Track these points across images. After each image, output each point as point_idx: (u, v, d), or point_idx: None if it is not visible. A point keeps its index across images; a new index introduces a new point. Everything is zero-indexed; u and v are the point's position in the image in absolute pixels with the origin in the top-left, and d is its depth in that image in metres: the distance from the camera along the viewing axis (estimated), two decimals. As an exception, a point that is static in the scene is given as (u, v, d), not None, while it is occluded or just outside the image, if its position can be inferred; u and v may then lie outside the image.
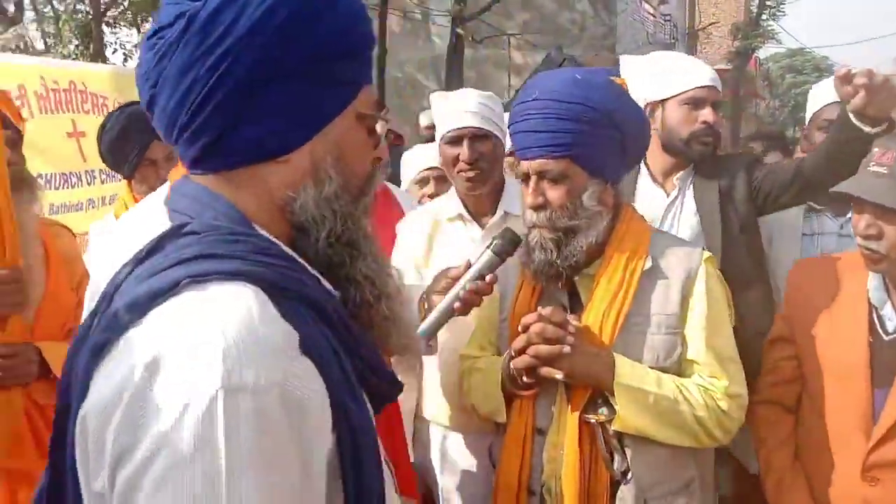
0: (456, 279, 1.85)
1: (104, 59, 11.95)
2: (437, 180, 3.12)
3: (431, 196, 3.06)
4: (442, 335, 2.36)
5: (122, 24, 14.25)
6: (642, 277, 1.82)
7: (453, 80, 12.04)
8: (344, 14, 0.99)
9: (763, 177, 2.48)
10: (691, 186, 2.57)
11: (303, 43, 0.95)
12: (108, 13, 13.45)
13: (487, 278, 1.82)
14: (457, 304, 1.81)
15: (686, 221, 2.53)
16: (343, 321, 0.98)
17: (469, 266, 1.85)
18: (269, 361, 0.82)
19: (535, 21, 16.95)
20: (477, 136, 2.33)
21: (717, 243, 2.43)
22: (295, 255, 1.00)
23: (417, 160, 3.10)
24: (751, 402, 2.14)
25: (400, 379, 1.12)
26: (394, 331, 1.10)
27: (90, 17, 12.46)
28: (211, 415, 0.78)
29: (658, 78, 2.57)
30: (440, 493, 2.43)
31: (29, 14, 14.37)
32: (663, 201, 2.58)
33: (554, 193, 1.81)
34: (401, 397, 2.37)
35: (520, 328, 1.78)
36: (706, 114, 2.49)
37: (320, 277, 1.01)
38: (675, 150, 2.56)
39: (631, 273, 1.81)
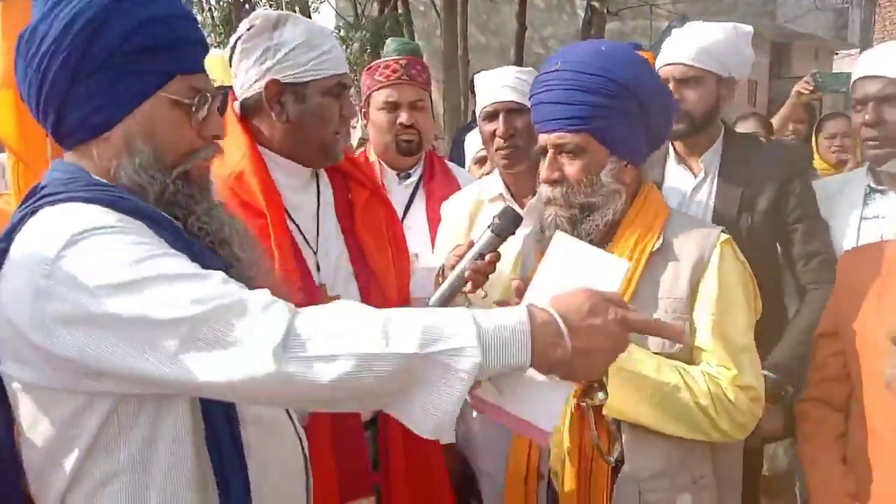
0: (461, 257, 1.85)
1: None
2: None
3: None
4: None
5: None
6: (652, 258, 1.73)
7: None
8: (135, 18, 1.19)
9: (800, 234, 2.35)
10: (716, 172, 2.41)
11: (99, 44, 1.17)
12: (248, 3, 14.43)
13: (487, 257, 1.81)
14: (456, 282, 1.82)
15: (712, 206, 2.38)
16: (180, 234, 1.22)
17: (472, 245, 1.85)
18: (104, 220, 1.13)
19: (687, -12, 16.15)
20: (513, 111, 2.29)
21: None
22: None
23: (477, 140, 3.05)
24: (798, 400, 1.99)
25: None
26: (237, 269, 1.30)
27: (230, 5, 13.42)
28: (79, 245, 1.08)
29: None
30: (477, 471, 2.43)
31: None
32: (691, 182, 2.43)
33: (571, 168, 1.75)
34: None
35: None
36: None
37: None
38: None
39: (640, 253, 1.72)
